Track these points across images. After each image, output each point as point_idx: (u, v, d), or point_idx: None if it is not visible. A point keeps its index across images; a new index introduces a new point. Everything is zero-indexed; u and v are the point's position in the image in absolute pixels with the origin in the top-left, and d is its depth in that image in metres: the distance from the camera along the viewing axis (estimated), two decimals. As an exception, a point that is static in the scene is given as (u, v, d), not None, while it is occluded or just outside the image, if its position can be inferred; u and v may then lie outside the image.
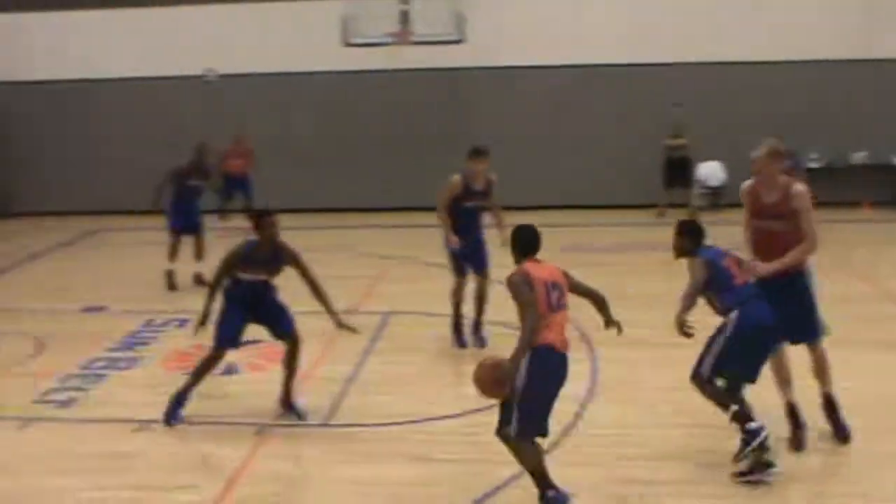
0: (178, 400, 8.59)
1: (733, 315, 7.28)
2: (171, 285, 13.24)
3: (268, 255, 8.43)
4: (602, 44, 18.37)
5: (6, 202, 19.99)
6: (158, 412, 8.64)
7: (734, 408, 7.19)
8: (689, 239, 7.60)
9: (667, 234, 7.93)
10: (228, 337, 8.55)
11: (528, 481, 6.93)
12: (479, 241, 10.66)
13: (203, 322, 8.45)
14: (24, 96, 19.62)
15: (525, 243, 7.02)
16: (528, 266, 6.87)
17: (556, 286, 6.85)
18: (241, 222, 14.32)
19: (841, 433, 7.83)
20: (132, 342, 10.99)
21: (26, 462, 8.02)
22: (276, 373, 9.39)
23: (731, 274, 7.42)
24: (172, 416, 8.54)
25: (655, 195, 17.72)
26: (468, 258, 10.58)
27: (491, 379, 6.70)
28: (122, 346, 10.83)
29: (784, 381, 7.80)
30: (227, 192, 17.23)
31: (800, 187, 7.75)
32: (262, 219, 8.45)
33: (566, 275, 7.05)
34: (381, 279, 13.71)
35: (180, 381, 9.55)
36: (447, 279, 10.82)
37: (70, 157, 19.78)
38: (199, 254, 13.39)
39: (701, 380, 7.36)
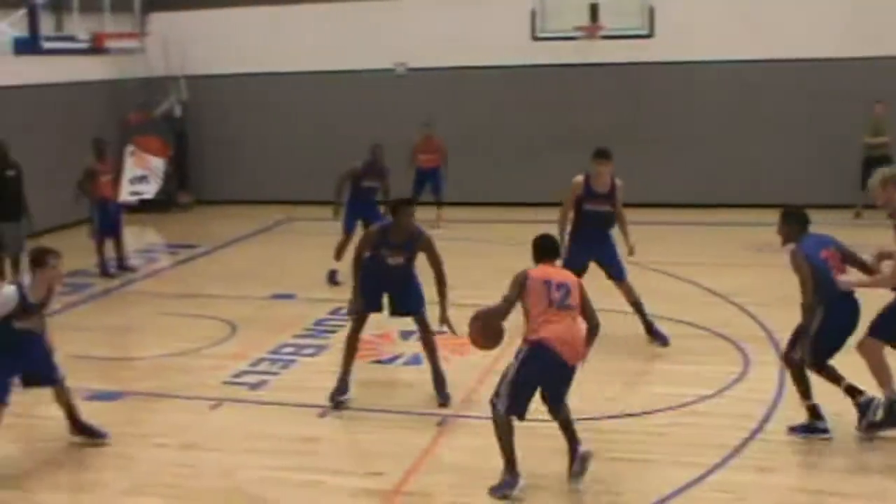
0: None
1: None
2: (334, 282, 13.39)
3: (403, 239, 8.81)
4: (793, 38, 17.76)
5: (200, 190, 20.79)
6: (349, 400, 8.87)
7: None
8: (792, 226, 7.88)
9: (864, 236, 7.65)
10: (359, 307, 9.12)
11: (711, 482, 6.80)
12: (607, 247, 10.51)
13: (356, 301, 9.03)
14: (218, 89, 20.31)
15: (542, 249, 7.43)
16: (536, 269, 7.30)
17: (562, 286, 7.18)
18: (429, 215, 14.52)
19: None
20: (319, 330, 11.27)
21: (215, 440, 8.34)
22: (461, 363, 9.49)
23: (828, 266, 7.62)
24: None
25: (852, 195, 17.04)
26: (601, 265, 10.45)
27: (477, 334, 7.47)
28: (310, 333, 11.11)
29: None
30: (417, 186, 17.25)
31: None
32: (398, 207, 8.86)
33: (580, 287, 7.33)
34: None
35: (364, 368, 9.78)
36: (631, 277, 10.71)
37: (260, 148, 20.42)
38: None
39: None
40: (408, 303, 9.09)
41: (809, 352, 7.69)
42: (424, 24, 19.22)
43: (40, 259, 7.86)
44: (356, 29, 19.51)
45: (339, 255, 13.24)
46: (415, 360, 10.09)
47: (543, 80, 18.82)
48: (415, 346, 10.51)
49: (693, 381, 9.26)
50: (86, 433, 8.29)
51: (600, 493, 7.14)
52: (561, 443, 7.32)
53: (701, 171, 18.07)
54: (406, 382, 9.60)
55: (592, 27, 16.75)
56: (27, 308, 7.75)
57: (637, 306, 10.58)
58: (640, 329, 10.73)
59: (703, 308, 11.72)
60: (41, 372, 8.13)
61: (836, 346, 7.72)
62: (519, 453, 7.13)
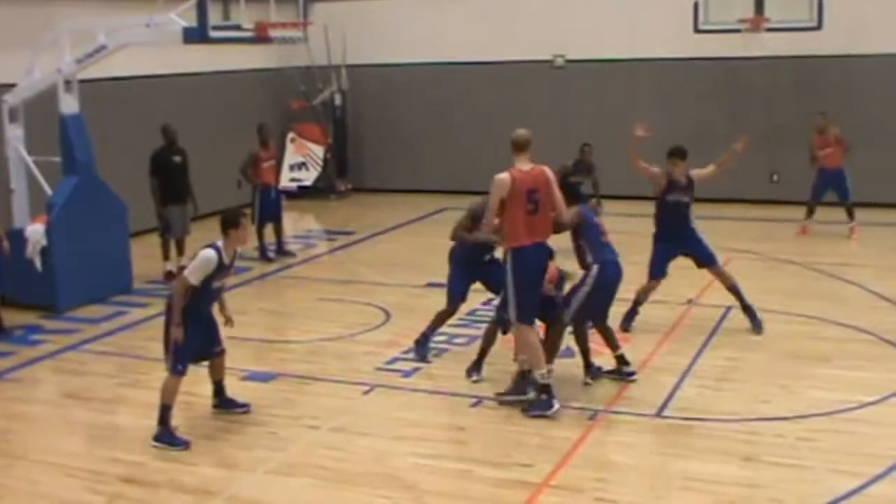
0: (424, 341, 10.04)
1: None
2: None
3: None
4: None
5: (357, 178, 21.10)
6: (497, 390, 8.85)
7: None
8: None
9: None
10: (456, 294, 9.86)
11: (873, 493, 6.54)
12: (690, 235, 10.63)
13: None
14: (377, 78, 20.56)
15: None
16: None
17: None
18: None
19: None
20: (472, 320, 11.28)
21: (367, 424, 8.45)
22: (613, 359, 9.38)
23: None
24: (420, 352, 9.96)
25: None
26: (687, 255, 10.63)
27: None
28: (463, 323, 11.13)
29: None
30: (820, 187, 15.58)
31: None
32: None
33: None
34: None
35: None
36: (789, 277, 10.44)
37: (417, 138, 20.60)
38: None
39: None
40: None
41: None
42: (583, 15, 19.06)
43: (235, 220, 8.18)
44: (515, 20, 19.47)
45: None
46: (567, 353, 10.00)
47: (706, 73, 18.43)
48: (567, 339, 10.43)
49: (855, 387, 8.93)
50: (230, 406, 8.75)
51: (755, 498, 6.94)
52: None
53: (872, 168, 17.39)
54: (557, 376, 9.50)
55: (757, 19, 16.30)
56: (221, 268, 8.12)
57: (734, 290, 10.72)
58: (800, 330, 10.46)
59: (870, 312, 11.28)
60: (213, 341, 8.57)
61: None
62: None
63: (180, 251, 13.82)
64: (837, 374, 9.39)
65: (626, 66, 18.97)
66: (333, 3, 19.93)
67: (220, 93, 18.47)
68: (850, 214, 15.36)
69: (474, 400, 8.79)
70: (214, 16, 11.87)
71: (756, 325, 10.61)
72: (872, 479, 7.08)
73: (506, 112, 19.72)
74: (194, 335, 8.20)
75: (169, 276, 13.62)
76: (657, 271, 10.71)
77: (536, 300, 8.54)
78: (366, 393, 9.17)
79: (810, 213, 15.58)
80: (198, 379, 9.88)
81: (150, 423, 8.49)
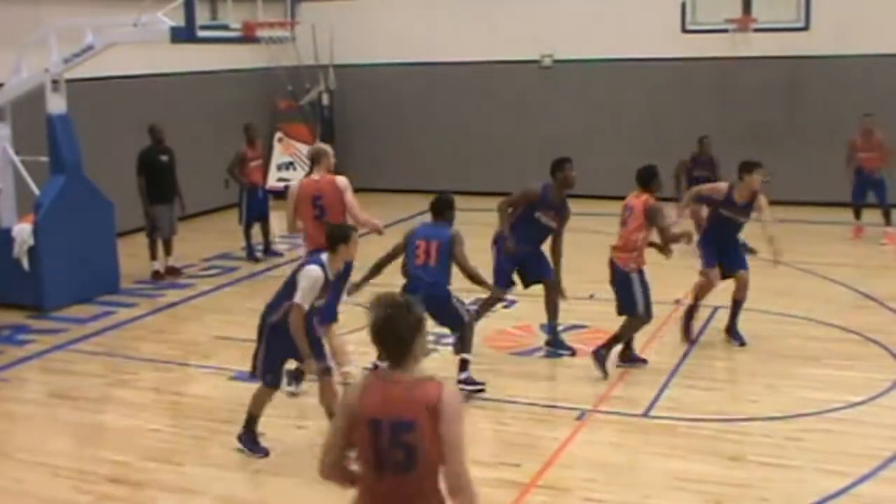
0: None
1: None
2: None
3: (559, 201, 9.77)
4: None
5: (347, 177, 21.00)
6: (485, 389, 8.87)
7: None
8: None
9: None
10: (503, 281, 9.85)
11: (860, 493, 6.56)
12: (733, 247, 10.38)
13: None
14: (365, 78, 20.52)
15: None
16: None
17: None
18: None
19: None
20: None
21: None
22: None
23: None
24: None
25: None
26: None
27: None
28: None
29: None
30: (859, 189, 15.36)
31: None
32: (559, 164, 9.79)
33: None
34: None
35: (505, 360, 9.79)
36: (777, 276, 10.46)
37: (406, 138, 20.57)
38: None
39: None
40: (543, 270, 10.10)
41: None
42: (572, 15, 19.08)
43: (345, 235, 7.74)
44: (503, 19, 19.48)
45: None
46: (554, 353, 10.03)
47: (693, 73, 18.47)
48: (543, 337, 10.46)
49: (842, 386, 8.97)
50: None
51: (742, 498, 6.96)
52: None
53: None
54: (546, 375, 9.55)
55: (745, 19, 16.34)
56: (327, 285, 7.69)
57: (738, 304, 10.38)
58: (787, 330, 10.50)
59: (856, 312, 11.32)
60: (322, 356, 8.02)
61: None
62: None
63: (168, 251, 13.80)
64: (825, 373, 9.42)
65: (613, 66, 19.00)
66: (321, 3, 19.90)
67: (208, 92, 18.44)
68: (888, 218, 15.03)
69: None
70: (202, 15, 11.86)
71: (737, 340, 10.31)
72: (860, 478, 7.10)
73: (494, 112, 19.79)
74: (288, 348, 7.71)
75: (156, 275, 13.60)
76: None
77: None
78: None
79: (857, 214, 15.32)
80: (187, 379, 9.90)
81: (137, 422, 8.51)
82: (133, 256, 13.88)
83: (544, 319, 10.94)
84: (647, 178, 9.37)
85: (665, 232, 9.22)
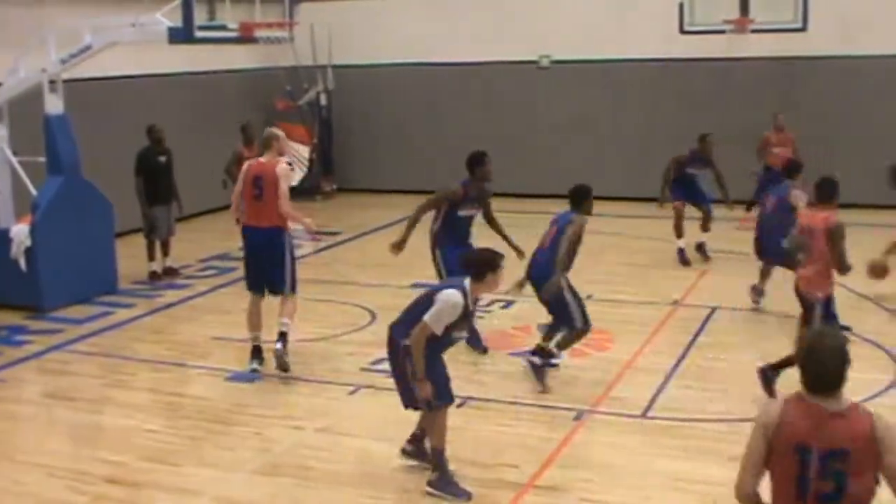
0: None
1: None
2: (684, 261, 13.64)
3: (478, 193, 10.03)
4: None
5: (343, 178, 21.05)
6: (482, 391, 8.86)
7: None
8: None
9: None
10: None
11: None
12: None
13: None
14: (363, 79, 20.52)
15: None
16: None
17: None
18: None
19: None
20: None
21: (352, 425, 8.45)
22: (600, 359, 9.41)
23: None
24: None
25: None
26: None
27: None
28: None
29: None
30: (765, 185, 15.15)
31: None
32: (478, 159, 10.11)
33: None
34: (709, 273, 13.33)
35: (503, 360, 9.79)
36: (781, 280, 10.47)
37: (403, 138, 20.57)
38: (704, 226, 14.04)
39: None
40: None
41: None
42: (570, 15, 19.08)
43: (495, 263, 6.97)
44: (501, 20, 19.48)
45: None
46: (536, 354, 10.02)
47: (691, 73, 18.48)
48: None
49: (840, 387, 8.94)
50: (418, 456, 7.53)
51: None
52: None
53: (858, 169, 17.44)
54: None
55: (742, 20, 16.35)
56: (466, 315, 7.01)
57: None
58: (787, 331, 10.48)
59: (853, 313, 11.27)
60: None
61: None
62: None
63: (165, 252, 13.80)
64: (822, 374, 9.39)
65: (611, 67, 19.00)
66: (319, 3, 19.87)
67: (206, 93, 18.43)
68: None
69: (459, 400, 8.78)
70: (200, 16, 11.86)
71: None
72: (857, 478, 7.09)
73: (492, 112, 19.79)
74: (441, 370, 7.14)
75: (154, 276, 13.59)
76: None
77: (259, 274, 9.77)
78: (351, 393, 9.17)
79: (750, 207, 15.54)
80: (184, 379, 9.90)
81: (134, 423, 8.53)
82: (131, 257, 13.86)
83: (543, 320, 10.93)
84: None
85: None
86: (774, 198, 11.28)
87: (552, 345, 9.16)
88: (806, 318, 8.64)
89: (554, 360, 9.21)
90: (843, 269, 8.54)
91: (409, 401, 7.14)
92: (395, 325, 7.17)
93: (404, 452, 7.55)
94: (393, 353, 7.14)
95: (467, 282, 6.92)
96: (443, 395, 7.05)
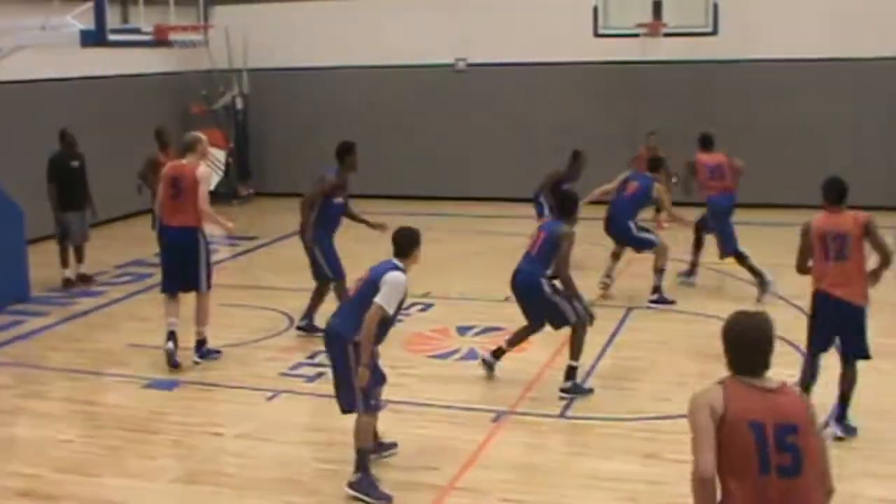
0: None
1: None
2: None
3: (345, 182, 10.76)
4: (860, 35, 17.42)
5: (260, 182, 20.94)
6: (401, 393, 8.87)
7: None
8: None
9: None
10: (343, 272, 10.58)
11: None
12: None
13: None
14: (279, 82, 20.44)
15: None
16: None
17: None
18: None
19: None
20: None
21: (271, 431, 8.42)
22: (518, 360, 9.48)
23: None
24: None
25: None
26: None
27: None
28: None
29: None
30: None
31: None
32: (350, 148, 11.00)
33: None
34: (626, 273, 13.51)
35: (421, 363, 9.83)
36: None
37: (320, 142, 20.41)
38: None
39: None
40: None
41: None
42: (485, 19, 19.22)
43: (419, 239, 7.24)
44: (417, 23, 19.54)
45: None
46: (471, 356, 10.10)
47: (605, 76, 18.71)
48: (471, 342, 10.55)
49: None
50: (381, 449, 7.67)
51: (657, 495, 7.08)
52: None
53: (764, 170, 17.84)
54: (462, 377, 9.59)
55: (655, 24, 16.63)
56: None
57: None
58: (700, 330, 10.70)
59: (768, 310, 11.54)
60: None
61: None
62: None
63: (79, 258, 13.58)
64: (733, 371, 9.59)
65: (527, 70, 19.17)
66: (234, 7, 19.74)
67: (119, 97, 18.16)
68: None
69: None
70: (112, 18, 11.74)
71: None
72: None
73: (408, 116, 19.83)
74: (379, 372, 7.32)
75: (68, 283, 13.37)
76: None
77: (175, 273, 10.06)
78: (270, 399, 9.12)
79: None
80: (100, 388, 9.76)
81: (49, 433, 8.37)
82: (44, 265, 13.61)
83: (461, 322, 11.06)
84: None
85: None
86: (636, 184, 12.40)
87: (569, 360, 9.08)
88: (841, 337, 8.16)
89: (585, 386, 9.09)
90: (890, 256, 7.97)
91: (350, 404, 7.12)
92: (337, 321, 7.21)
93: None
94: (338, 350, 7.10)
95: (398, 262, 7.12)
96: (373, 403, 7.17)
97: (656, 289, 12.01)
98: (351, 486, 7.06)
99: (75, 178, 13.28)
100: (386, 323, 7.05)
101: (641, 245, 12.39)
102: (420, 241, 7.23)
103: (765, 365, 4.29)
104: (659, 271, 12.10)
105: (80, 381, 9.90)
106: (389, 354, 9.68)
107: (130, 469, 7.75)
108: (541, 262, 9.05)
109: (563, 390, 8.91)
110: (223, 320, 11.61)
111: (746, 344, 4.29)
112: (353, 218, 11.06)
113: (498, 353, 9.41)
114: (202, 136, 10.26)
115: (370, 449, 7.22)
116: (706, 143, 13.28)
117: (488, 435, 8.16)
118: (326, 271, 10.68)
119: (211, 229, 10.23)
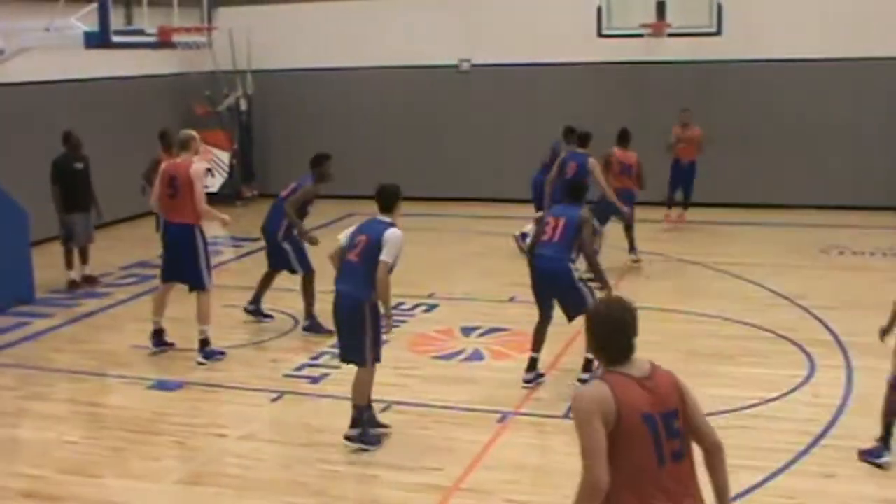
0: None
1: None
2: None
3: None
4: (865, 36, 17.40)
5: (264, 184, 20.91)
6: (406, 394, 8.88)
7: None
8: None
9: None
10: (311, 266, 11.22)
11: (773, 487, 6.69)
12: None
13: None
14: (283, 83, 20.43)
15: None
16: None
17: None
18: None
19: None
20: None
21: (275, 432, 8.43)
22: (521, 361, 9.47)
23: None
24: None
25: None
26: None
27: None
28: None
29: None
30: (673, 180, 16.47)
31: None
32: (323, 159, 11.43)
33: None
34: (630, 275, 13.50)
35: (426, 364, 9.82)
36: (690, 277, 10.62)
37: (324, 143, 20.39)
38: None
39: None
40: None
41: None
42: (489, 20, 19.21)
43: (400, 192, 8.10)
44: (421, 24, 19.51)
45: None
46: (476, 356, 10.10)
47: (609, 77, 18.70)
48: (476, 342, 10.54)
49: (756, 384, 9.14)
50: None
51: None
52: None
53: (767, 170, 17.88)
54: (467, 378, 9.59)
55: (659, 24, 16.62)
56: None
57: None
58: (701, 329, 10.69)
59: (768, 310, 11.56)
60: None
61: None
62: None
63: (84, 260, 13.59)
64: (739, 371, 9.60)
65: (531, 71, 19.15)
66: (238, 8, 19.74)
67: (124, 98, 18.17)
68: (685, 207, 16.41)
69: (383, 405, 8.79)
70: (116, 20, 11.72)
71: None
72: (774, 472, 7.27)
73: (412, 116, 19.83)
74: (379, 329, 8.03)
75: (72, 285, 13.38)
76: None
77: (173, 268, 10.32)
78: (274, 400, 9.12)
79: (671, 203, 16.46)
80: (104, 389, 9.77)
81: (53, 435, 8.37)
82: (49, 266, 13.62)
83: (465, 323, 11.06)
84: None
85: None
86: (574, 163, 12.77)
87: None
88: None
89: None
90: None
91: (357, 356, 7.82)
92: (350, 287, 7.79)
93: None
94: (350, 310, 7.79)
95: (385, 217, 7.91)
96: (378, 355, 7.91)
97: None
98: (349, 438, 7.86)
99: (79, 180, 13.28)
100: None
101: None
102: (401, 196, 8.01)
103: (632, 350, 4.32)
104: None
105: (85, 382, 9.90)
106: (394, 355, 9.74)
107: (134, 470, 7.75)
108: (566, 247, 9.03)
109: (580, 381, 8.88)
110: (227, 321, 11.63)
111: (614, 330, 4.28)
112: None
113: (533, 365, 9.28)
114: (195, 133, 10.44)
115: (366, 406, 7.93)
116: (623, 140, 14.06)
117: (493, 436, 8.15)
118: (297, 267, 11.31)
119: (214, 230, 10.30)
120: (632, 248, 13.81)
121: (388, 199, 7.96)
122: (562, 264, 8.99)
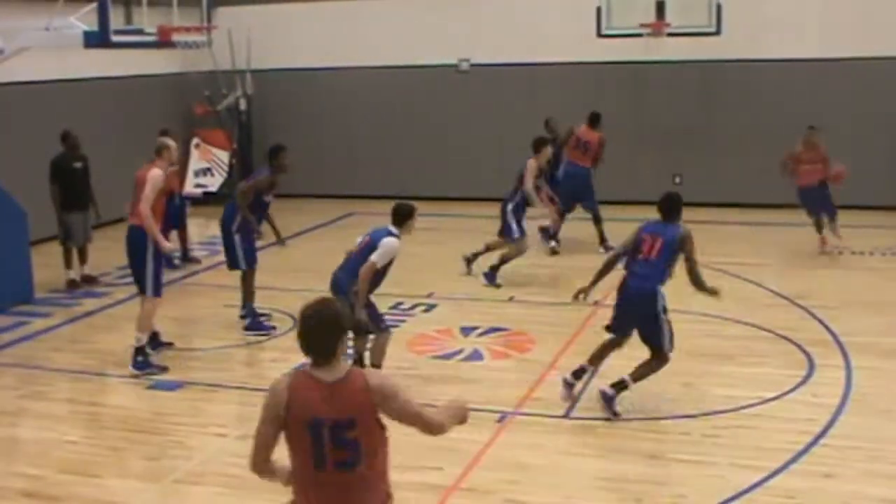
0: None
1: None
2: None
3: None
4: (862, 36, 17.40)
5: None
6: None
7: None
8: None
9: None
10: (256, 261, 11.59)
11: (773, 486, 6.68)
12: None
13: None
14: (283, 83, 20.39)
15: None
16: None
17: None
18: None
19: None
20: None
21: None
22: (521, 361, 9.47)
23: None
24: None
25: None
26: None
27: None
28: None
29: None
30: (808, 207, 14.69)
31: None
32: (279, 151, 11.56)
33: None
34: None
35: (425, 363, 9.82)
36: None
37: (324, 143, 20.49)
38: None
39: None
40: None
41: None
42: (488, 19, 19.21)
43: (412, 210, 9.01)
44: (420, 24, 19.53)
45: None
46: (475, 356, 10.09)
47: (609, 77, 18.70)
48: (475, 342, 10.54)
49: (756, 383, 9.15)
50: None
51: (662, 495, 7.07)
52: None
53: (767, 170, 17.83)
54: (466, 378, 9.59)
55: (659, 24, 16.62)
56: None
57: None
58: (702, 329, 10.68)
59: (768, 310, 11.56)
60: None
61: None
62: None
63: (82, 259, 13.59)
64: (739, 371, 9.61)
65: (530, 70, 19.15)
66: (237, 7, 19.74)
67: (123, 98, 18.16)
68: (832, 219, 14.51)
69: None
70: (116, 20, 11.72)
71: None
72: (773, 472, 7.27)
73: (412, 116, 19.82)
74: (374, 305, 9.04)
75: (71, 284, 13.37)
76: None
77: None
78: (274, 400, 9.10)
79: (818, 227, 14.56)
80: (104, 389, 9.77)
81: (53, 435, 8.37)
82: (48, 266, 13.62)
83: (465, 322, 11.05)
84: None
85: None
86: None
87: (627, 376, 8.55)
88: None
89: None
90: None
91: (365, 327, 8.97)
92: (343, 274, 8.99)
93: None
94: (341, 294, 8.74)
95: (393, 229, 8.85)
96: (382, 324, 9.08)
97: (493, 267, 12.79)
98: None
99: (78, 180, 13.28)
100: (378, 276, 8.84)
101: (504, 230, 13.04)
102: (414, 216, 8.92)
103: (326, 354, 4.31)
104: (502, 258, 12.86)
105: (84, 382, 9.90)
106: (393, 355, 9.74)
107: (134, 470, 7.75)
108: (664, 269, 8.52)
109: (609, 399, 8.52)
110: (226, 321, 11.63)
111: (306, 331, 4.31)
112: (268, 219, 11.85)
113: (579, 374, 8.94)
114: (171, 143, 10.46)
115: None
116: (593, 121, 15.17)
117: (493, 435, 8.15)
118: (241, 261, 11.34)
119: (169, 248, 10.37)
120: (602, 241, 14.51)
121: (397, 215, 8.93)
122: (652, 288, 8.46)
